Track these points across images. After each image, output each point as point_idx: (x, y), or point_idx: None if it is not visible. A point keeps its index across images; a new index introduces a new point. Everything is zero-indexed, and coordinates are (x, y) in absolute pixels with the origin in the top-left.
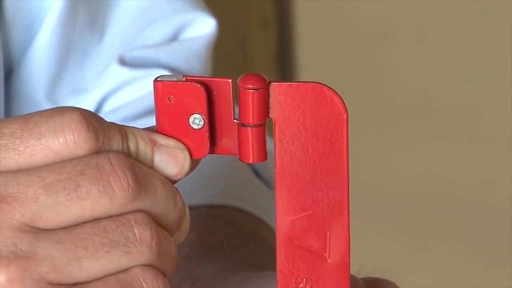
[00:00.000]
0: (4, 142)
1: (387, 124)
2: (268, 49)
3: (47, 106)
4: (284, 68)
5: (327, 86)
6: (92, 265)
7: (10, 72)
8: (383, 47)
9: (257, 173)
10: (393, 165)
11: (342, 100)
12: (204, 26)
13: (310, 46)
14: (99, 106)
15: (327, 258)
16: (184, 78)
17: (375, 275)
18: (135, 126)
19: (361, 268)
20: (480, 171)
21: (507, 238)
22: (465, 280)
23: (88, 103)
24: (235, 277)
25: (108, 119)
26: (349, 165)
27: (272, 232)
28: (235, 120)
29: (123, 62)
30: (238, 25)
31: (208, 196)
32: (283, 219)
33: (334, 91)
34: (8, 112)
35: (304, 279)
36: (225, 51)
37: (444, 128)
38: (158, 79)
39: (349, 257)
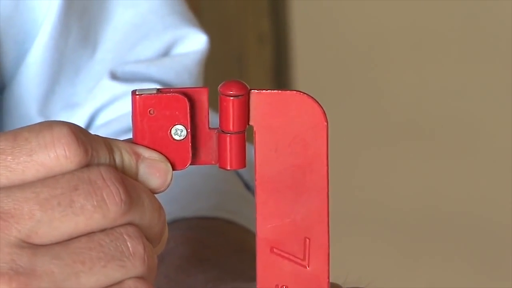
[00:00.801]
0: None
1: (382, 141)
2: (264, 65)
3: (40, 121)
4: (280, 84)
5: (307, 94)
6: (89, 280)
7: (2, 88)
8: (379, 64)
9: (247, 185)
10: (388, 182)
11: (322, 108)
12: (195, 41)
13: (306, 62)
14: (91, 120)
15: (307, 266)
16: (156, 90)
17: (361, 285)
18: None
19: (346, 279)
20: (476, 188)
21: (504, 255)
22: None
23: (79, 118)
24: (224, 287)
25: (99, 133)
26: (329, 173)
27: None
28: (211, 129)
29: (114, 76)
30: (234, 40)
31: (200, 209)
32: (263, 226)
33: (315, 99)
34: (1, 128)
35: (284, 286)
36: (221, 67)
37: (439, 145)
38: (136, 92)
39: (329, 266)
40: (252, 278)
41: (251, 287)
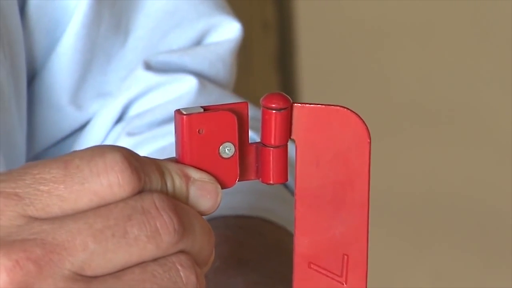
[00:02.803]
0: (47, 188)
1: (388, 126)
2: (269, 52)
3: (71, 110)
4: (285, 71)
5: (351, 110)
6: None
7: (33, 76)
8: (384, 50)
9: (284, 184)
10: (392, 167)
11: (366, 125)
12: (229, 30)
13: (311, 48)
14: (124, 110)
15: (344, 283)
16: (202, 109)
17: None
18: (160, 131)
19: None
20: (480, 174)
21: (507, 241)
22: (464, 284)
23: (113, 108)
24: None
25: (133, 124)
26: (370, 190)
27: None
28: (251, 143)
29: (148, 66)
30: None
31: (235, 207)
32: (301, 241)
33: (359, 115)
34: (30, 117)
35: None
36: None
37: (444, 130)
38: (183, 112)
39: (366, 284)
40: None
41: None
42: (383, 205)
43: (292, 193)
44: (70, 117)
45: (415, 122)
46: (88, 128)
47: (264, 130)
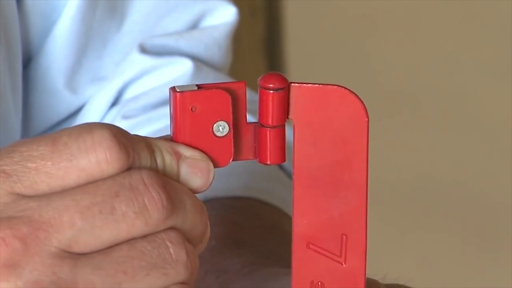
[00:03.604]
0: (34, 165)
1: (374, 113)
2: (257, 37)
3: (66, 94)
4: (272, 56)
5: (349, 89)
6: None
7: (29, 60)
8: (372, 36)
9: (279, 165)
10: (380, 155)
11: (364, 104)
12: (224, 13)
13: (298, 34)
14: (119, 94)
15: (343, 263)
16: (197, 87)
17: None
18: (155, 114)
19: (385, 276)
20: (467, 161)
21: (493, 225)
22: (452, 271)
23: (108, 91)
24: (262, 272)
25: (128, 107)
26: (368, 170)
27: None
28: (248, 123)
29: (143, 50)
30: None
31: (231, 188)
32: (300, 222)
33: (356, 95)
34: (26, 101)
35: (319, 283)
36: None
37: (432, 118)
38: (177, 89)
39: (365, 263)
40: (290, 264)
41: (290, 274)
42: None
43: (287, 175)
44: (65, 101)
45: (400, 109)
46: (84, 112)
47: (261, 110)
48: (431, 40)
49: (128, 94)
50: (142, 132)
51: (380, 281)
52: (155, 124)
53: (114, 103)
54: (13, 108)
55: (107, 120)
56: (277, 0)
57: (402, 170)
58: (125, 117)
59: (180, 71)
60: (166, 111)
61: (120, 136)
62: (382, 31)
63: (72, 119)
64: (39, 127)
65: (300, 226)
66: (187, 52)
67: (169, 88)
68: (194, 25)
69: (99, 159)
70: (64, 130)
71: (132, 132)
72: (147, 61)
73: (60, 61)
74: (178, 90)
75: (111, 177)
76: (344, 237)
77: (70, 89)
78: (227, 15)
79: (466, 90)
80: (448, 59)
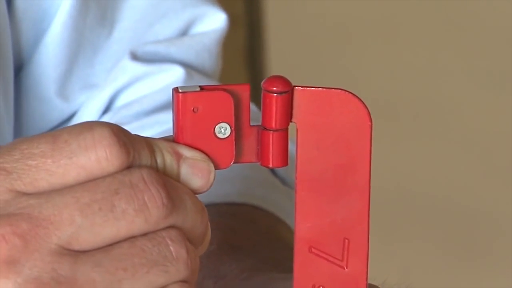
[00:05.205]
0: (35, 162)
1: None
2: (238, 47)
3: (58, 101)
4: (254, 66)
5: (352, 93)
6: (131, 287)
7: (20, 68)
8: (351, 46)
9: (273, 171)
10: None
11: (367, 108)
12: (214, 20)
13: (279, 43)
14: (111, 101)
15: (345, 267)
16: (199, 88)
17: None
18: (148, 121)
19: (385, 281)
20: (449, 171)
21: (475, 237)
22: (434, 280)
23: (99, 99)
24: (261, 277)
25: (120, 114)
26: (371, 174)
27: (290, 231)
28: (252, 126)
29: (134, 57)
30: None
31: (227, 194)
32: (302, 225)
33: (360, 98)
34: (18, 109)
35: (321, 287)
36: None
37: (412, 127)
38: (179, 90)
39: (367, 268)
40: (287, 269)
41: (288, 279)
42: None
43: (281, 180)
44: (57, 109)
45: (380, 117)
46: (75, 119)
47: (264, 114)
48: (408, 49)
49: (120, 101)
50: None
51: (380, 286)
52: (148, 131)
53: (106, 110)
54: (5, 115)
55: None
56: (258, 9)
57: (384, 180)
58: (118, 124)
59: (171, 78)
60: (159, 118)
61: (120, 134)
62: (362, 41)
63: (64, 127)
64: (31, 134)
65: (302, 230)
66: (178, 59)
67: (172, 89)
68: (184, 32)
69: (99, 156)
70: (65, 128)
71: None
72: (139, 68)
73: (51, 69)
74: (180, 91)
75: (111, 174)
76: (346, 241)
77: (62, 97)
78: (217, 21)
79: (443, 98)
80: (430, 67)
